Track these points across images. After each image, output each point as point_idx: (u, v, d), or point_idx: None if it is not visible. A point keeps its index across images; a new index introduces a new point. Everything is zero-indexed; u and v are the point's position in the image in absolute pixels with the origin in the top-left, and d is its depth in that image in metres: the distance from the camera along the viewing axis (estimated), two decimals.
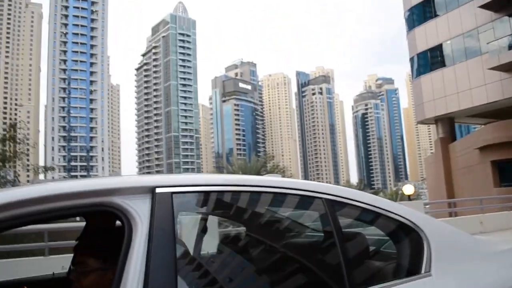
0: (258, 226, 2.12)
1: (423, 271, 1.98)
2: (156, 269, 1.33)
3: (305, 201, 1.95)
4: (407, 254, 2.09)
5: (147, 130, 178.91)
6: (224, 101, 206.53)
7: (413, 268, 2.01)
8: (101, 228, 1.77)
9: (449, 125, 31.44)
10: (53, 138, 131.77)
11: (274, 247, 2.07)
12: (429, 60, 31.35)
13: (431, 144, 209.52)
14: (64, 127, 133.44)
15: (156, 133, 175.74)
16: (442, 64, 30.28)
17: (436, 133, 33.69)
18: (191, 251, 1.91)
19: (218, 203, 1.86)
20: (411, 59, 33.41)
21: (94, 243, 1.71)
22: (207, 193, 1.71)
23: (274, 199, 1.92)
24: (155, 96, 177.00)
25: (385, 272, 2.09)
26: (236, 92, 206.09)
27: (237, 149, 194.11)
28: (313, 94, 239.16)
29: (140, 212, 1.41)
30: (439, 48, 30.46)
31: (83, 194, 1.38)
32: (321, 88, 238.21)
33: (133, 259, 1.32)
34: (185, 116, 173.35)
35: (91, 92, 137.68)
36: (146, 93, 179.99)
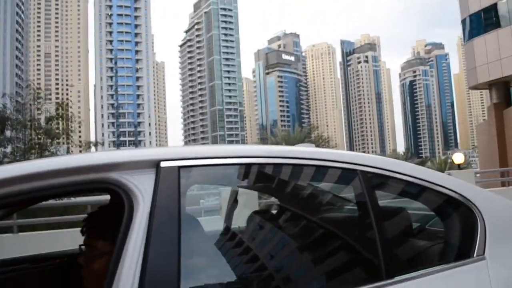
0: (283, 201, 1.97)
1: (475, 254, 1.73)
2: (156, 252, 1.20)
3: (336, 173, 1.74)
4: (457, 233, 1.86)
5: (192, 104, 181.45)
6: (267, 73, 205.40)
7: (464, 251, 1.77)
8: (110, 207, 1.62)
9: (503, 90, 29.77)
10: (102, 116, 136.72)
11: (299, 224, 1.91)
12: (483, 22, 29.55)
13: (483, 111, 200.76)
14: (112, 104, 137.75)
15: (200, 107, 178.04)
16: (496, 25, 28.46)
17: (490, 99, 32.08)
18: (200, 231, 1.68)
19: (232, 177, 1.72)
20: (463, 21, 31.60)
21: (103, 224, 1.57)
22: (219, 166, 1.51)
23: (299, 171, 1.72)
24: (199, 71, 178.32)
25: (430, 254, 1.84)
26: (280, 64, 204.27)
27: (281, 120, 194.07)
28: (359, 62, 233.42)
29: (142, 188, 1.28)
30: (493, 8, 28.59)
31: (78, 170, 1.26)
32: (366, 57, 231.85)
33: (132, 240, 1.20)
34: (229, 90, 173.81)
35: (137, 70, 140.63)
36: (190, 69, 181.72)
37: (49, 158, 1.32)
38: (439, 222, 1.99)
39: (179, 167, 1.36)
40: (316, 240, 1.77)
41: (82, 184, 1.26)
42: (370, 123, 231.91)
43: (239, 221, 2.22)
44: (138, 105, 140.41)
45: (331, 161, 1.66)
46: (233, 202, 2.33)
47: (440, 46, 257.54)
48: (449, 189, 1.81)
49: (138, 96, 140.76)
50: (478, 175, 17.34)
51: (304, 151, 1.68)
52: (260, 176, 1.70)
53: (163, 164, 1.34)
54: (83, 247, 1.61)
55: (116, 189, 1.29)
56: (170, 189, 1.30)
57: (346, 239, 1.77)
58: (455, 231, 1.87)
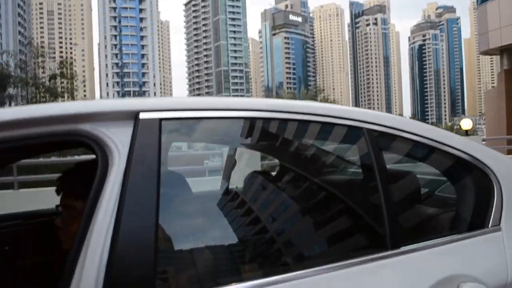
0: (281, 160, 1.84)
1: (490, 224, 1.59)
2: (131, 213, 1.07)
3: (340, 131, 1.56)
4: (471, 201, 1.68)
5: (197, 65, 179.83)
6: (274, 34, 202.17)
7: (477, 220, 1.62)
8: (88, 164, 1.46)
9: None
10: (107, 75, 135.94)
11: (297, 186, 1.76)
12: None
13: (492, 78, 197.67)
14: (117, 64, 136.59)
15: (206, 68, 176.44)
16: None
17: (500, 65, 31.41)
18: (185, 191, 1.53)
19: (223, 133, 1.58)
20: None
21: (80, 182, 1.43)
22: (208, 120, 1.35)
23: (299, 128, 1.54)
24: (204, 31, 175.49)
25: (440, 223, 1.71)
26: (286, 25, 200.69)
27: (287, 82, 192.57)
28: (367, 25, 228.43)
29: (118, 142, 1.14)
30: None
31: (44, 121, 1.11)
32: (375, 19, 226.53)
33: (105, 200, 1.07)
34: (235, 51, 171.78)
35: (141, 29, 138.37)
36: (195, 28, 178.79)
37: (11, 107, 1.19)
38: (449, 188, 1.85)
39: (161, 119, 1.21)
40: (315, 204, 1.62)
41: (48, 136, 1.13)
42: (377, 87, 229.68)
43: (232, 181, 2.08)
44: (143, 64, 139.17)
45: (333, 117, 1.48)
46: (229, 161, 2.16)
47: (451, 9, 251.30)
48: (464, 152, 1.63)
49: (142, 55, 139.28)
50: (484, 142, 17.15)
51: (304, 105, 1.52)
52: (256, 132, 1.53)
53: (142, 115, 1.19)
54: (60, 207, 1.51)
55: (88, 143, 1.15)
56: (150, 143, 1.16)
57: (348, 204, 1.60)
58: (468, 198, 1.70)
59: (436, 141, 1.60)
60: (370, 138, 1.48)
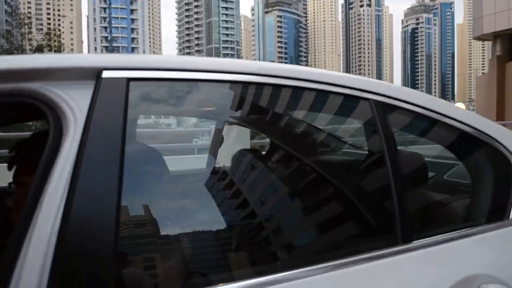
0: (271, 135, 1.60)
1: (511, 215, 1.40)
2: (86, 194, 0.87)
3: (342, 102, 1.34)
4: (488, 188, 1.50)
5: (188, 41, 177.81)
6: (266, 12, 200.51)
7: (497, 210, 1.42)
8: (45, 133, 1.15)
9: (509, 42, 28.98)
10: (96, 49, 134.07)
11: (289, 168, 1.47)
12: None
13: (483, 64, 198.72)
14: (106, 37, 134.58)
15: (197, 45, 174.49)
16: None
17: (491, 51, 31.34)
18: (158, 167, 1.30)
19: (207, 99, 1.35)
20: None
21: (35, 156, 1.11)
22: (188, 82, 1.14)
23: (294, 97, 1.30)
24: (195, 6, 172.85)
25: (453, 212, 1.53)
26: (280, 3, 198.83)
27: (279, 62, 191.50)
28: (361, 6, 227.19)
29: (74, 106, 0.93)
30: None
31: None
32: (369, 0, 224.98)
33: (55, 177, 0.87)
34: (226, 28, 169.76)
35: (131, 2, 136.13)
36: (186, 3, 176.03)
37: None
38: (459, 172, 1.68)
39: (129, 80, 0.99)
40: (310, 189, 1.35)
41: None
42: (369, 69, 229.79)
43: (219, 160, 1.84)
44: (133, 39, 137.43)
45: (334, 85, 1.26)
46: (215, 136, 1.91)
47: None
48: (484, 133, 1.44)
49: (132, 30, 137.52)
50: None
51: (302, 70, 1.28)
52: (243, 100, 1.31)
53: (106, 74, 0.97)
54: (12, 185, 1.31)
55: (36, 105, 0.93)
56: (114, 108, 0.96)
57: (352, 191, 1.36)
58: (485, 184, 1.50)
59: (454, 119, 1.40)
60: (378, 112, 1.26)
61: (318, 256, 1.17)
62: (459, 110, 1.46)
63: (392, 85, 1.39)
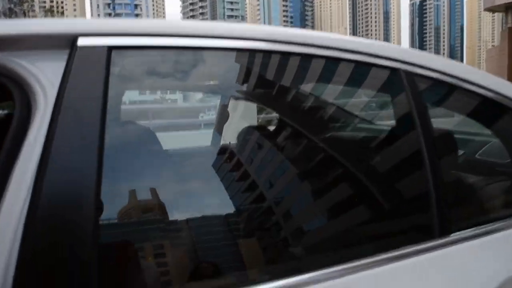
0: (282, 113, 1.35)
1: None
2: (57, 181, 0.72)
3: (368, 72, 1.14)
4: None
5: (193, 17, 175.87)
6: None
7: None
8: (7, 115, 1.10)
9: None
10: None
11: (306, 150, 1.23)
12: None
13: (493, 37, 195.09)
14: (109, 14, 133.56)
15: (202, 20, 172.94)
16: None
17: (502, 23, 30.49)
18: (148, 147, 1.10)
19: (206, 70, 1.10)
20: None
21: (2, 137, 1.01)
22: (184, 50, 0.95)
23: (310, 67, 1.11)
24: None
25: (489, 197, 1.34)
26: None
27: None
28: None
29: (43, 79, 0.77)
30: None
31: None
32: None
33: (22, 161, 0.72)
34: (231, 2, 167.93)
35: None
36: None
37: None
38: (492, 150, 1.49)
39: (110, 48, 0.82)
40: (336, 178, 1.15)
41: None
42: None
43: (224, 138, 1.67)
44: (136, 15, 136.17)
45: (361, 53, 1.07)
46: (220, 112, 1.68)
47: None
48: None
49: (136, 6, 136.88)
50: None
51: (318, 36, 1.08)
52: (250, 71, 1.12)
53: (82, 41, 0.80)
54: None
55: (1, 80, 0.77)
56: (92, 82, 0.79)
57: (379, 176, 1.16)
58: None
59: (500, 94, 1.24)
60: (410, 84, 1.08)
61: (334, 256, 0.97)
62: (505, 83, 1.28)
63: (424, 53, 1.21)
